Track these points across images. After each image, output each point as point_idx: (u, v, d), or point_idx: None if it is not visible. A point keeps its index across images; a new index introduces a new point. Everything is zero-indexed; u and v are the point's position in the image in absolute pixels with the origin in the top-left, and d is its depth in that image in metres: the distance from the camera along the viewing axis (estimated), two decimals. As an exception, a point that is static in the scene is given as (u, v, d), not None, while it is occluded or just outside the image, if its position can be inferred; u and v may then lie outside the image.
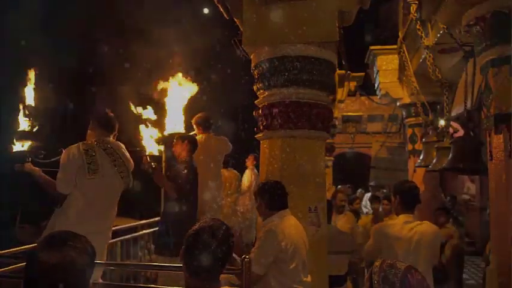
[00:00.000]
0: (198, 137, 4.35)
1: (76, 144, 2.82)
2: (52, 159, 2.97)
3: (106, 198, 2.86)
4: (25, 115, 3.02)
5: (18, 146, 2.96)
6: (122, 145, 3.03)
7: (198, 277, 1.53)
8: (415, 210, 2.94)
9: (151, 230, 4.84)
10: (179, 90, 3.99)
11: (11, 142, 2.96)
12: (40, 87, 3.12)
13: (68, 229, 2.37)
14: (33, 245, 1.27)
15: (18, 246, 3.14)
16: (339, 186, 9.00)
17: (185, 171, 3.61)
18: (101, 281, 2.88)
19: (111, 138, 2.98)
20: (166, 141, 3.77)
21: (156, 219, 4.87)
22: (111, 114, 3.07)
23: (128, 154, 3.03)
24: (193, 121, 4.46)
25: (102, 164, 2.80)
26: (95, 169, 2.76)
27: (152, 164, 3.27)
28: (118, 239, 4.30)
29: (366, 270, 4.83)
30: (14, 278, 2.70)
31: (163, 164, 3.97)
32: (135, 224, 4.91)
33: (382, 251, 2.78)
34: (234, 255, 1.98)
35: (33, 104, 3.07)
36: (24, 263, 1.25)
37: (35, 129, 3.05)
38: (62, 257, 1.18)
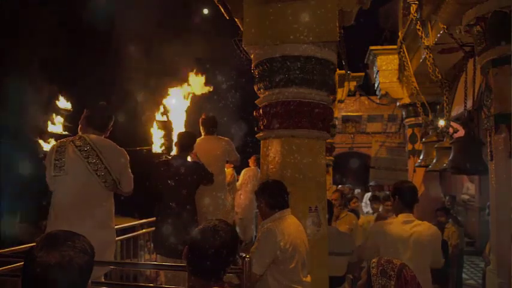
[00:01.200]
0: (199, 139, 4.38)
1: (55, 142, 2.85)
2: None
3: (80, 196, 2.73)
4: (58, 116, 3.06)
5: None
6: (110, 143, 2.90)
7: (201, 277, 1.53)
8: (414, 210, 2.96)
9: (151, 229, 4.83)
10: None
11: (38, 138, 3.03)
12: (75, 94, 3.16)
13: (50, 227, 2.39)
14: (33, 244, 1.26)
15: (19, 245, 3.14)
16: (339, 186, 9.02)
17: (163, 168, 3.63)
18: (103, 280, 2.87)
19: (96, 135, 2.87)
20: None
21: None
22: (103, 113, 2.97)
23: (115, 152, 2.89)
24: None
25: (70, 161, 2.73)
26: (60, 166, 2.72)
27: None
28: (117, 238, 4.29)
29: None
30: (14, 277, 2.71)
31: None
32: (134, 223, 4.90)
33: (381, 250, 2.78)
34: None
35: (69, 107, 3.09)
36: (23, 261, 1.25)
37: (65, 133, 3.09)
38: (61, 256, 1.17)
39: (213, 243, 1.51)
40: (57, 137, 3.10)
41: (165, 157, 3.99)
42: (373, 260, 1.55)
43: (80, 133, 2.92)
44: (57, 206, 2.74)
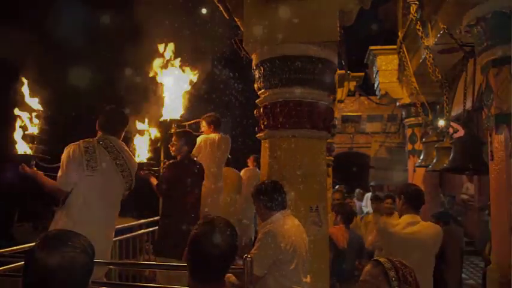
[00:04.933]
0: (212, 136, 4.39)
1: (77, 142, 2.81)
2: (56, 165, 2.96)
3: (107, 196, 2.81)
4: (32, 118, 3.04)
5: (24, 148, 2.98)
6: (125, 146, 3.00)
7: (202, 277, 1.50)
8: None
9: (150, 229, 4.83)
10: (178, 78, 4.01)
11: (15, 143, 2.97)
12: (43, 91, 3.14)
13: (70, 227, 2.37)
14: (33, 244, 1.25)
15: (16, 245, 3.13)
16: (337, 186, 9.02)
17: (165, 171, 3.61)
18: (104, 279, 2.86)
19: (115, 138, 2.92)
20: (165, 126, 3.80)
21: (156, 218, 4.88)
22: (116, 116, 3.01)
23: (130, 155, 2.99)
24: (204, 119, 4.50)
25: (102, 162, 2.76)
26: (94, 166, 2.72)
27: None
28: (116, 238, 4.28)
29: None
30: (13, 277, 2.70)
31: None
32: (133, 223, 4.89)
33: (384, 250, 2.79)
34: None
35: (41, 108, 3.08)
36: (23, 262, 1.24)
37: (40, 133, 3.08)
38: (62, 257, 1.16)
39: (213, 243, 1.47)
40: (31, 138, 3.03)
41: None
42: (383, 260, 1.44)
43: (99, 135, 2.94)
44: (82, 205, 2.71)
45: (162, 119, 3.86)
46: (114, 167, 2.82)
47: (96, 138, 2.88)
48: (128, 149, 3.01)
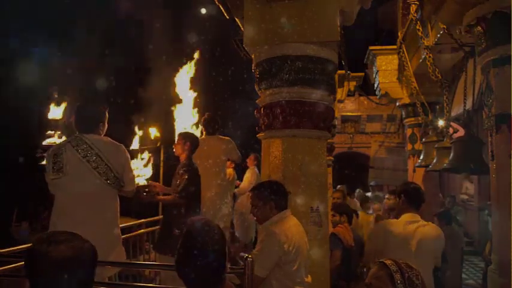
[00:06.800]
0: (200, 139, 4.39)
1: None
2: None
3: (83, 196, 2.67)
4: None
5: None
6: (107, 140, 2.82)
7: (195, 285, 1.47)
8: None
9: (150, 229, 4.82)
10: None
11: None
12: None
13: (56, 227, 2.37)
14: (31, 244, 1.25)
15: (15, 245, 3.12)
16: (339, 186, 9.02)
17: (186, 175, 3.59)
18: (106, 280, 2.84)
19: (91, 134, 2.78)
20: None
21: (156, 218, 4.87)
22: (87, 114, 2.85)
23: (114, 149, 2.81)
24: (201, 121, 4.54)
25: (69, 162, 2.67)
26: (58, 168, 2.67)
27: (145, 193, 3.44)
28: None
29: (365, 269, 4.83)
30: (12, 277, 2.69)
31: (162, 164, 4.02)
32: (133, 223, 4.88)
33: (384, 250, 2.77)
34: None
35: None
36: (28, 260, 1.23)
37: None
38: (71, 248, 1.18)
39: (200, 252, 1.43)
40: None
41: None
42: (388, 262, 1.41)
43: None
44: (59, 208, 2.69)
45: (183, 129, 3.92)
46: (85, 164, 2.68)
47: (69, 138, 2.82)
48: (113, 144, 2.81)
